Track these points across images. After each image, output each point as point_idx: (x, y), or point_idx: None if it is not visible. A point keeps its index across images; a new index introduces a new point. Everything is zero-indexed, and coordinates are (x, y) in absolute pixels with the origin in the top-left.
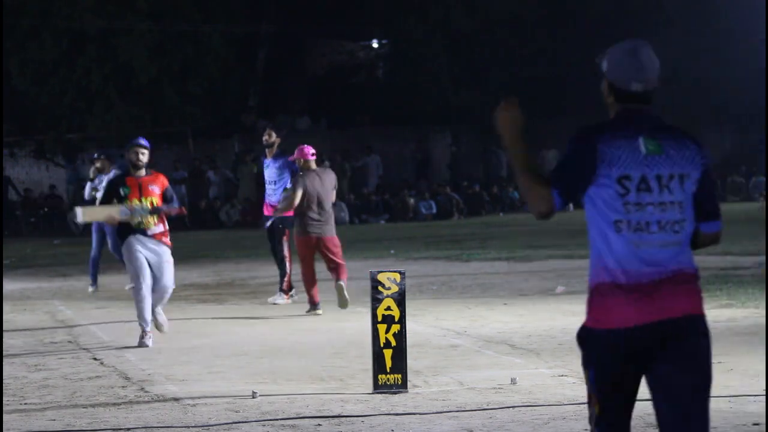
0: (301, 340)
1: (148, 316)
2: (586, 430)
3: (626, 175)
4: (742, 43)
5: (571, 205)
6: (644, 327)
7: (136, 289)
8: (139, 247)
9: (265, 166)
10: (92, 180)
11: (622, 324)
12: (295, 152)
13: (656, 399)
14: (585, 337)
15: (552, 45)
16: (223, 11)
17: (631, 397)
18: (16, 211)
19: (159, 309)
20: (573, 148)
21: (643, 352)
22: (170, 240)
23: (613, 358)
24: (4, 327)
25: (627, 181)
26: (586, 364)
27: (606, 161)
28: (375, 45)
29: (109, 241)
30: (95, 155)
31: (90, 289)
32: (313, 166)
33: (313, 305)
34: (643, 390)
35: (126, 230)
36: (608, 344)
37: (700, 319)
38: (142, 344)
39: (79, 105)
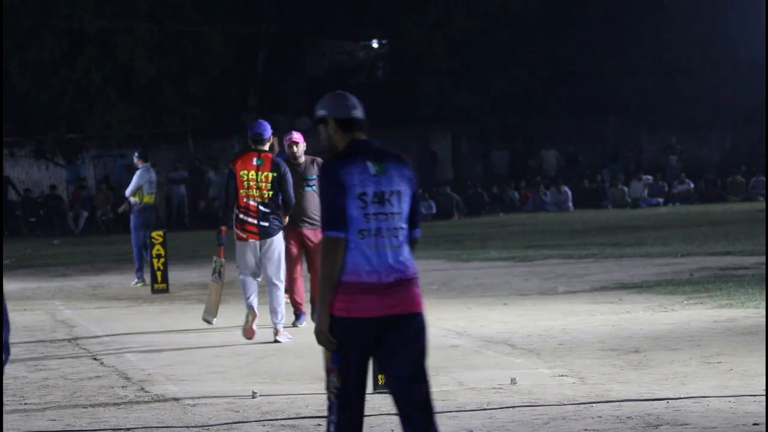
0: (301, 340)
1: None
2: (586, 430)
3: (363, 193)
4: (742, 43)
5: (571, 205)
6: (378, 319)
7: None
8: None
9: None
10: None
11: (364, 314)
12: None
13: (386, 375)
14: (334, 323)
15: (552, 45)
16: (223, 11)
17: (365, 374)
18: (16, 211)
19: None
20: (324, 183)
21: (375, 338)
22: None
23: (356, 341)
24: None
25: (364, 197)
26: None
27: (348, 183)
28: (375, 45)
29: (133, 236)
30: (136, 154)
31: (134, 282)
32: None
33: (296, 315)
34: (643, 390)
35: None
36: (353, 330)
37: (419, 316)
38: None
39: (79, 105)
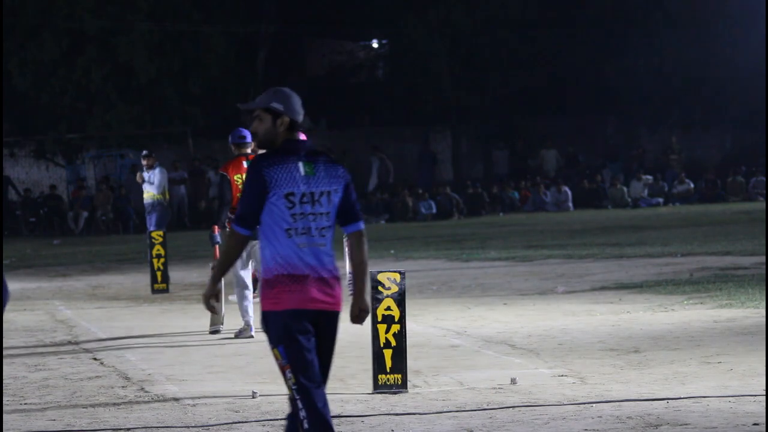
0: None
1: None
2: (586, 430)
3: (291, 192)
4: (743, 44)
5: (571, 205)
6: (305, 311)
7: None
8: None
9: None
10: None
11: (292, 306)
12: None
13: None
14: (267, 319)
15: (552, 45)
16: (223, 11)
17: (312, 354)
18: (16, 211)
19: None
20: (249, 180)
21: (310, 325)
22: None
23: (292, 331)
24: (4, 327)
25: (292, 197)
26: (274, 342)
27: (274, 182)
28: (375, 45)
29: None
30: (143, 153)
31: None
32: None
33: None
34: (643, 390)
35: None
36: (286, 322)
37: (338, 315)
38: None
39: (79, 105)
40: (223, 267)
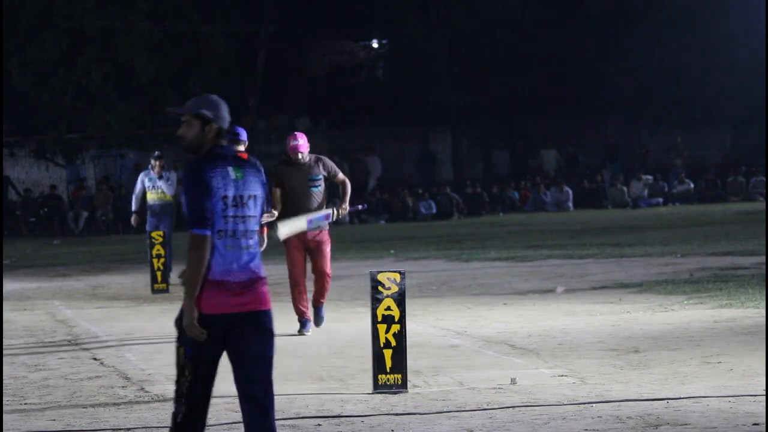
0: (300, 340)
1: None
2: (586, 430)
3: (225, 196)
4: (743, 43)
5: (571, 205)
6: (230, 315)
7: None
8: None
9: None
10: (159, 177)
11: (217, 310)
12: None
13: (234, 363)
14: (182, 319)
15: (552, 45)
16: (223, 11)
17: (215, 368)
18: (16, 211)
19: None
20: (191, 183)
21: (227, 333)
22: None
23: (209, 335)
24: (4, 327)
25: (226, 200)
26: (184, 341)
27: (212, 186)
28: (375, 45)
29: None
30: (156, 154)
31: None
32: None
33: (302, 323)
34: (643, 390)
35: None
36: (206, 325)
37: (268, 313)
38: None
39: (79, 105)
40: (197, 277)
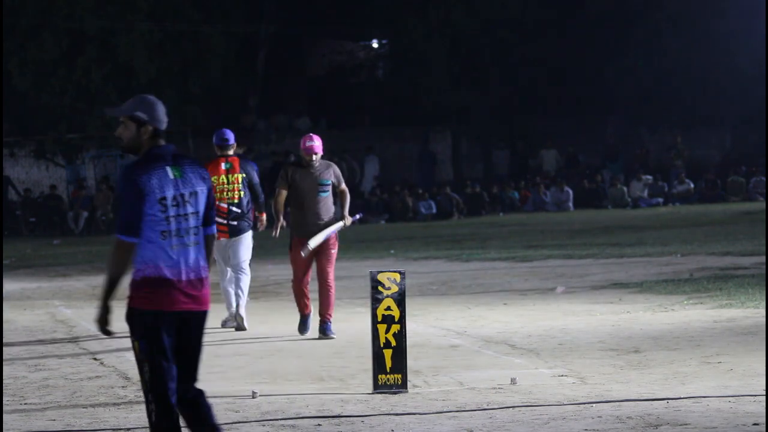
0: (300, 340)
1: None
2: (586, 430)
3: (164, 197)
4: (743, 43)
5: (571, 205)
6: (176, 312)
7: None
8: None
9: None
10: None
11: (164, 307)
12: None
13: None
14: (133, 314)
15: (552, 45)
16: (223, 11)
17: (169, 360)
18: (16, 211)
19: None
20: (125, 189)
21: (175, 329)
22: None
23: (159, 331)
24: (4, 327)
25: (164, 201)
26: (137, 336)
27: (148, 189)
28: (375, 45)
29: None
30: None
31: None
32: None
33: (303, 320)
34: (643, 390)
35: None
36: (155, 321)
37: (206, 315)
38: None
39: (79, 105)
40: (114, 282)
